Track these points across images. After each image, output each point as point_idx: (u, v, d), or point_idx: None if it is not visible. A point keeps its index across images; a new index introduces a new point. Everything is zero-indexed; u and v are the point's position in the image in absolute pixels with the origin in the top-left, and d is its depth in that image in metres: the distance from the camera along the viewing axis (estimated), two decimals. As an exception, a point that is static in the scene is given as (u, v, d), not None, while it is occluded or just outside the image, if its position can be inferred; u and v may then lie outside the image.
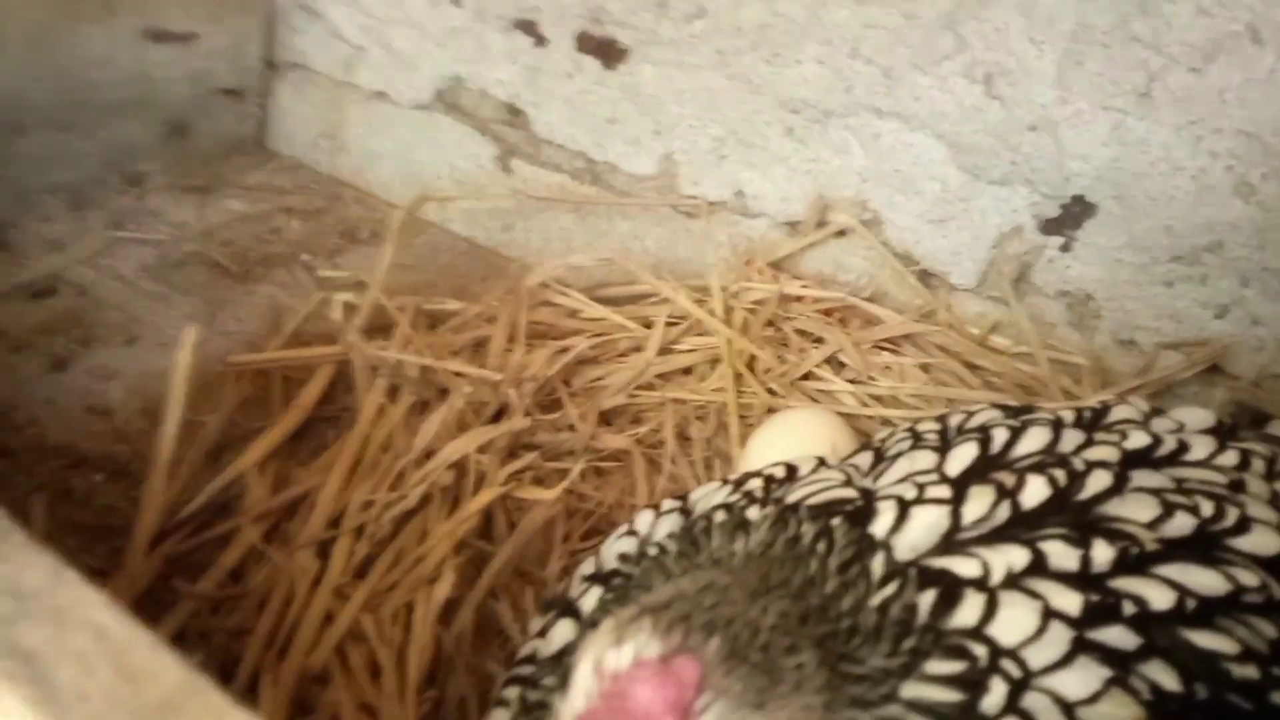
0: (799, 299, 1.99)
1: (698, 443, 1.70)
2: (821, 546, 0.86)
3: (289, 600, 1.20)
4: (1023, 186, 1.89)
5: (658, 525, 1.07)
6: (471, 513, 1.30)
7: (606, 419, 1.74)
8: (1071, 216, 1.88)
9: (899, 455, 1.04)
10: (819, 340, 1.90)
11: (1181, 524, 0.94)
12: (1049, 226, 1.90)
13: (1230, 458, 1.06)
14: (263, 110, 2.55)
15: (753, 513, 0.96)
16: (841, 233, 2.06)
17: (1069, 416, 1.08)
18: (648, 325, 1.90)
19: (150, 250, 2.07)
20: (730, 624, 0.71)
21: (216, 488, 1.36)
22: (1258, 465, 1.08)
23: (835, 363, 1.87)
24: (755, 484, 1.07)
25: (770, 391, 1.79)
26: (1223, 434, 1.11)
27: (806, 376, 1.84)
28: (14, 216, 2.04)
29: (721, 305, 1.89)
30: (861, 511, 0.93)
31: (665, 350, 1.86)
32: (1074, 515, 0.94)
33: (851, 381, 1.82)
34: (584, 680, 0.65)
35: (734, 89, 2.07)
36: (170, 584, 1.30)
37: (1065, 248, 1.90)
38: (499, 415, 1.62)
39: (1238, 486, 1.03)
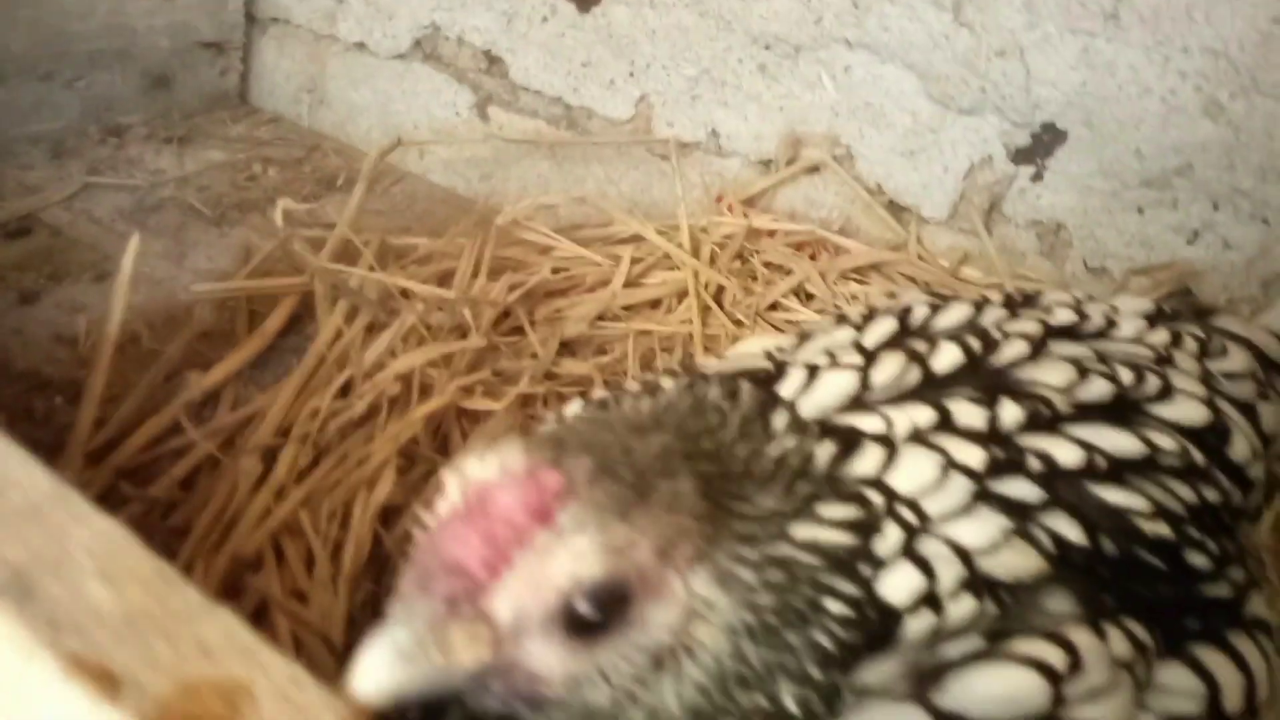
0: (770, 234, 1.98)
1: (662, 371, 1.70)
2: (725, 404, 0.86)
3: (231, 500, 1.21)
4: (993, 115, 1.87)
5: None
6: (417, 419, 1.31)
7: (571, 349, 1.74)
8: (1042, 145, 1.86)
9: (820, 333, 1.03)
10: (789, 273, 1.89)
11: (1098, 389, 0.93)
12: (1020, 156, 1.88)
13: (1161, 336, 1.05)
14: (245, 65, 2.56)
15: (666, 380, 0.95)
16: (814, 169, 2.05)
17: (996, 298, 1.07)
18: (617, 261, 1.90)
19: (126, 195, 2.09)
20: (605, 448, 0.70)
21: (152, 384, 1.37)
22: (1190, 345, 1.06)
23: (803, 294, 1.86)
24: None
25: (736, 322, 1.79)
26: (1157, 317, 1.10)
27: (774, 307, 1.83)
28: (-7, 163, 2.07)
29: (689, 239, 1.89)
30: (771, 376, 0.93)
31: (633, 284, 1.86)
32: (986, 379, 0.93)
33: (818, 312, 1.82)
34: (449, 491, 0.65)
35: (706, 26, 2.07)
36: (120, 492, 1.31)
37: (1036, 177, 1.88)
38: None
39: (1165, 361, 1.02)
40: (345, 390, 1.40)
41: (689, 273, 1.82)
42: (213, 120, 2.46)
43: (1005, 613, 0.82)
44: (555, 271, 1.83)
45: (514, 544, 0.63)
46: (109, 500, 1.30)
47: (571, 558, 0.64)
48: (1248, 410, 1.07)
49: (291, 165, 2.35)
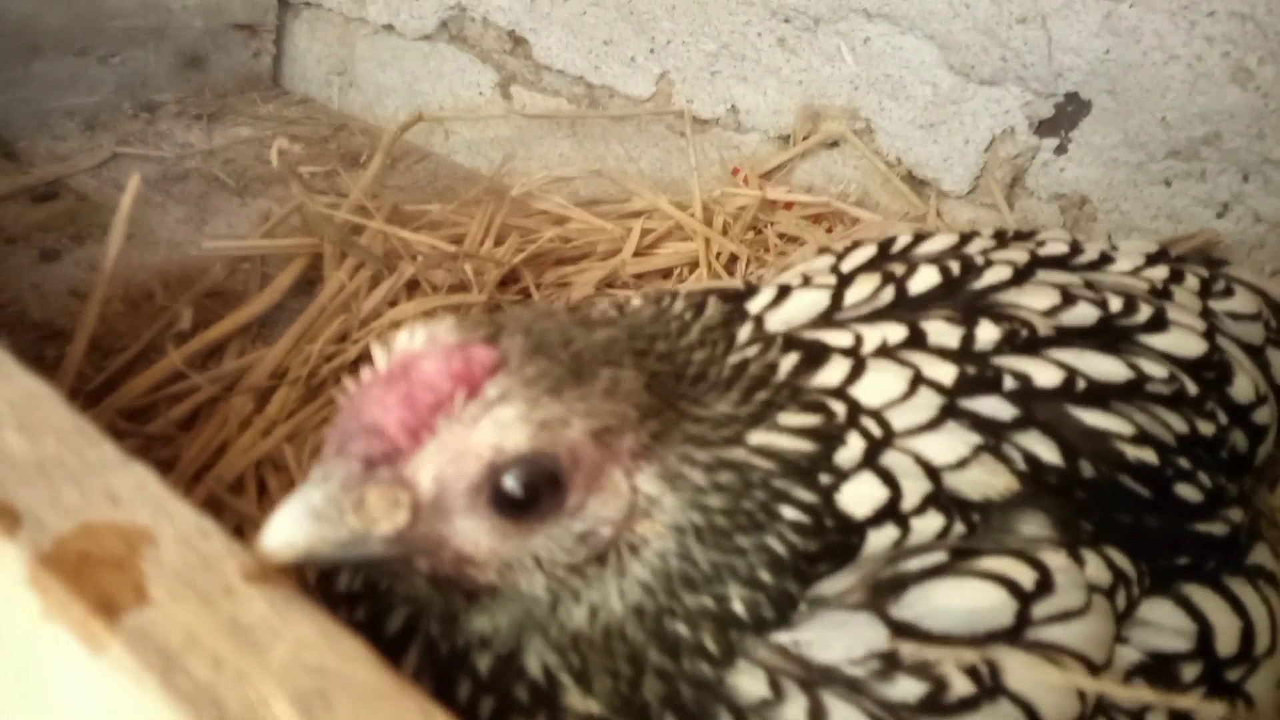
0: (787, 206, 1.96)
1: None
2: (689, 314, 0.84)
3: (220, 434, 1.21)
4: (1014, 85, 1.83)
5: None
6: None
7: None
8: (1066, 116, 1.82)
9: (802, 261, 1.01)
10: (803, 244, 1.87)
11: (1083, 314, 0.90)
12: (1043, 128, 1.84)
13: (1160, 272, 1.01)
14: (277, 48, 2.60)
15: (637, 301, 0.94)
16: (834, 144, 2.02)
17: (987, 232, 1.04)
18: (630, 231, 1.89)
19: (154, 166, 2.13)
20: (545, 333, 0.69)
21: (157, 332, 1.38)
22: (1191, 283, 1.02)
23: (817, 265, 1.83)
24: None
25: (747, 291, 1.76)
26: (1159, 256, 1.05)
27: (786, 277, 1.80)
28: (28, 134, 2.12)
29: (702, 210, 1.87)
30: (742, 295, 0.91)
31: (644, 253, 1.85)
32: (964, 301, 0.90)
33: (831, 282, 1.78)
34: (376, 359, 0.64)
35: (726, 0, 2.06)
36: (117, 428, 1.32)
37: (1060, 149, 1.84)
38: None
39: (1162, 295, 0.98)
40: (343, 338, 1.41)
41: (700, 241, 1.81)
42: (244, 100, 2.50)
43: (974, 533, 0.79)
44: (565, 241, 1.82)
45: (436, 411, 0.61)
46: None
47: (496, 428, 0.62)
48: (1255, 353, 1.03)
49: (318, 143, 2.38)
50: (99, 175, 2.05)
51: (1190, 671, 0.82)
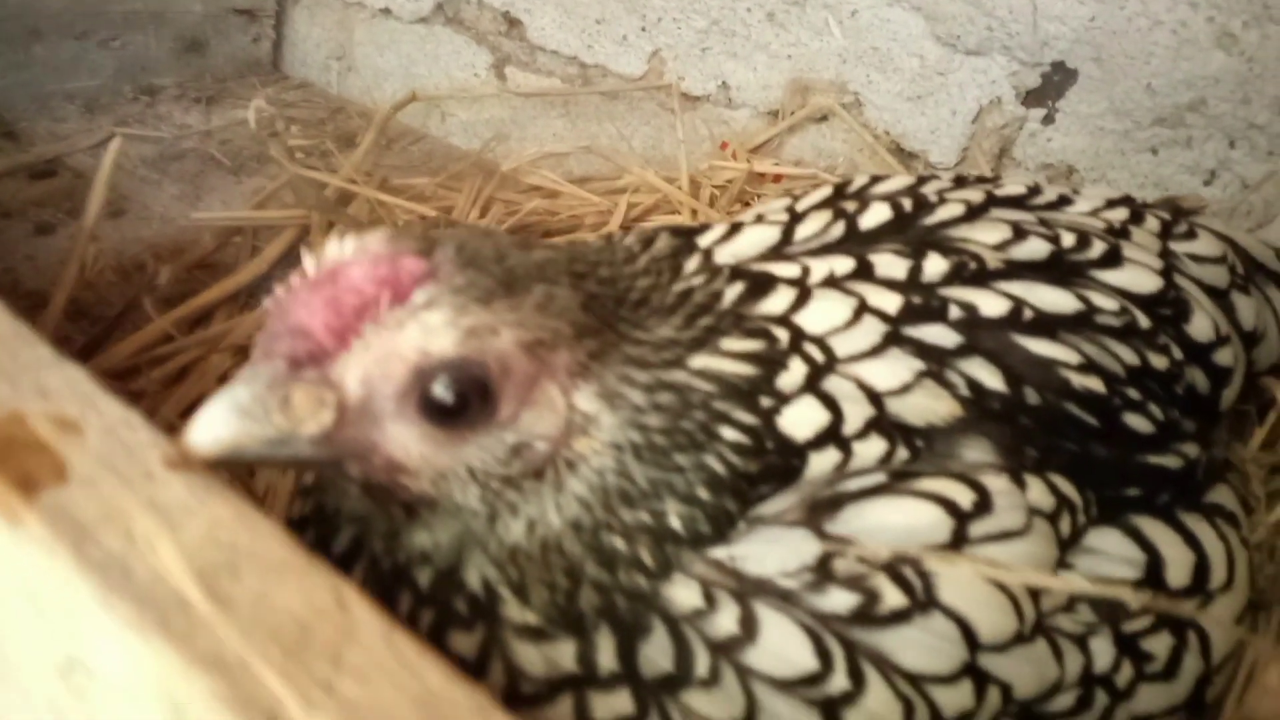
0: (776, 179, 1.96)
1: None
2: (638, 247, 0.85)
3: (196, 389, 1.24)
4: (1000, 55, 1.83)
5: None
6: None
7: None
8: (1053, 86, 1.81)
9: (760, 205, 1.02)
10: (789, 217, 1.87)
11: (1034, 248, 0.90)
12: (1030, 98, 1.84)
13: (1119, 214, 1.01)
14: (278, 33, 2.63)
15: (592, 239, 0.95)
16: (823, 118, 2.03)
17: (947, 176, 1.04)
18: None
19: (151, 146, 2.16)
20: (479, 249, 0.70)
21: (133, 293, 1.41)
22: (1151, 224, 1.02)
23: (803, 236, 1.84)
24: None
25: (733, 262, 1.77)
26: (1122, 201, 1.06)
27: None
28: (28, 115, 2.15)
29: (689, 182, 1.88)
30: (692, 229, 0.92)
31: (632, 225, 1.86)
32: (914, 236, 0.90)
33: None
34: (306, 266, 0.65)
35: (715, -23, 2.07)
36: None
37: (1047, 119, 1.83)
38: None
39: (1119, 234, 0.98)
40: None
41: (687, 213, 1.81)
42: (243, 85, 2.53)
43: (918, 458, 0.79)
44: (552, 214, 1.84)
45: (362, 314, 0.63)
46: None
47: (422, 332, 0.63)
48: (1219, 296, 1.03)
49: (315, 125, 2.40)
50: (96, 154, 2.07)
51: (1137, 600, 0.82)
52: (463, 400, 0.65)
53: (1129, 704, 0.80)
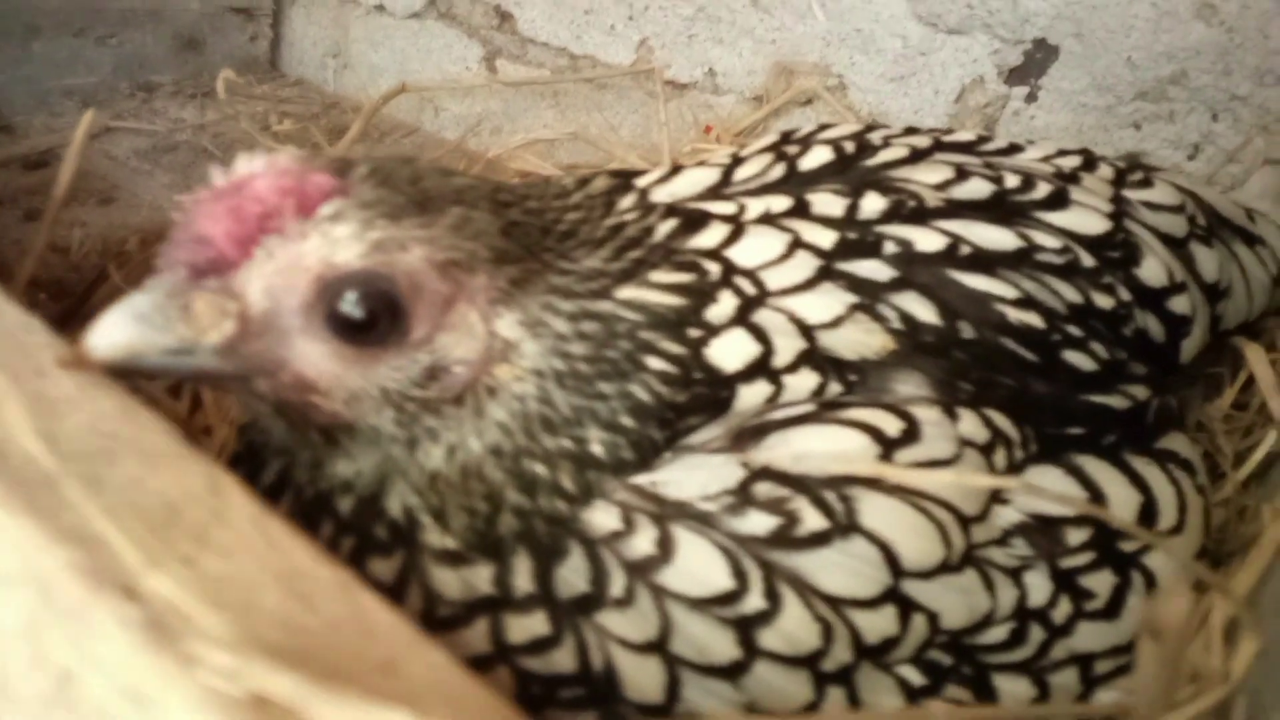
0: (757, 163, 1.96)
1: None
2: (574, 185, 0.85)
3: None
4: (982, 34, 1.82)
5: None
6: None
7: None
8: (1035, 64, 1.80)
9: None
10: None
11: (976, 188, 0.89)
12: (1013, 77, 1.83)
13: (1071, 161, 1.00)
14: (275, 32, 2.66)
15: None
16: (807, 101, 2.03)
17: (899, 127, 1.04)
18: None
19: (145, 139, 2.19)
20: (394, 170, 0.70)
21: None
22: (1105, 171, 1.01)
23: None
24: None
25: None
26: (1077, 152, 1.05)
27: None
28: (25, 110, 2.19)
29: (670, 164, 1.88)
30: (633, 172, 0.92)
31: (614, 208, 1.86)
32: (855, 177, 0.90)
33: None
34: (213, 179, 0.66)
35: (700, -36, 2.08)
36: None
37: (1030, 97, 1.82)
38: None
39: (1068, 179, 0.97)
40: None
41: (668, 194, 1.81)
42: (241, 81, 2.55)
43: (851, 392, 0.79)
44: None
45: (265, 222, 0.63)
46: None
47: (326, 243, 0.63)
48: (1177, 245, 1.01)
49: (308, 119, 2.42)
50: (91, 146, 2.10)
51: (1076, 536, 0.80)
52: (372, 316, 0.65)
53: (1068, 640, 0.79)
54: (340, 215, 0.64)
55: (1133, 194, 1.01)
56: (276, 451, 0.76)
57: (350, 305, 0.65)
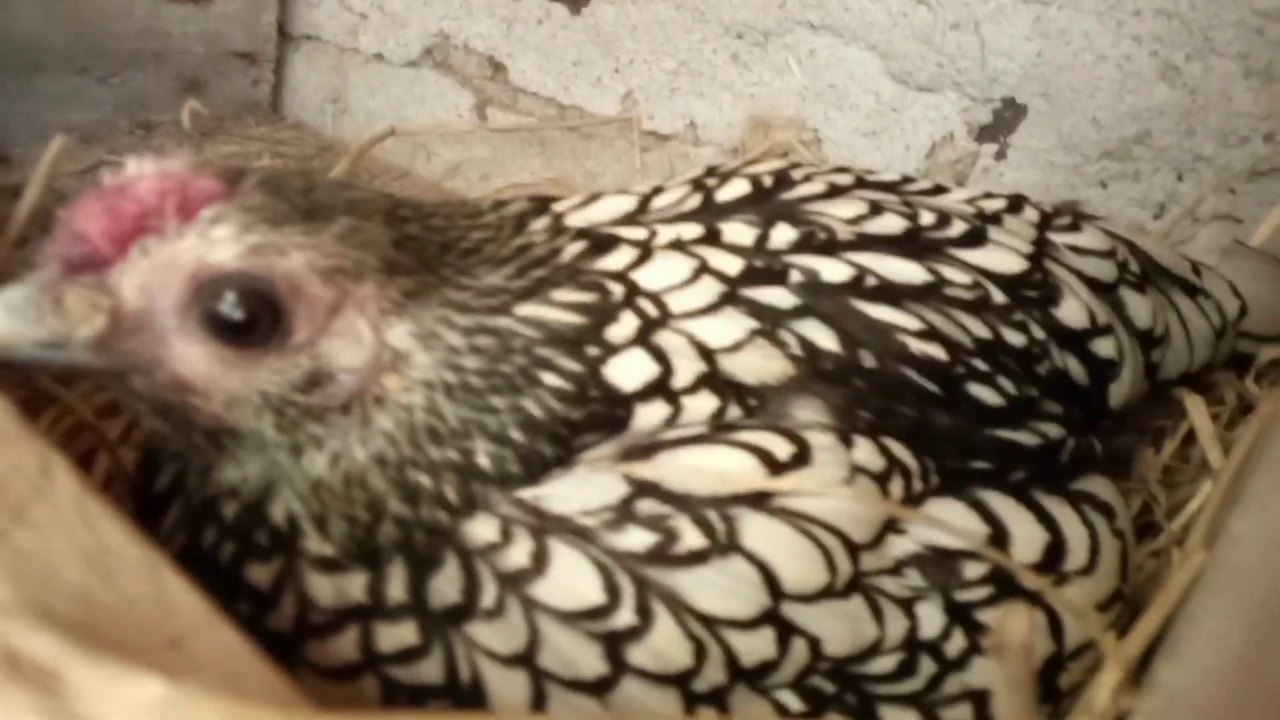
0: (731, 213, 1.98)
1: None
2: (488, 207, 0.86)
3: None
4: (951, 91, 1.85)
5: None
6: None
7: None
8: (1004, 121, 1.83)
9: (638, 187, 1.03)
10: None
11: (888, 223, 0.90)
12: (983, 134, 1.85)
13: (995, 204, 1.01)
14: (277, 77, 2.73)
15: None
16: (783, 154, 2.05)
17: (826, 167, 1.05)
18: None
19: (138, 173, 2.23)
20: (285, 180, 0.71)
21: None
22: (1030, 214, 1.02)
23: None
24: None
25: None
26: (1009, 196, 1.06)
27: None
28: (23, 143, 2.24)
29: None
30: (552, 198, 0.93)
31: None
32: (770, 209, 0.91)
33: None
34: (99, 181, 0.67)
35: (683, 19, 2.12)
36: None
37: (1000, 154, 1.85)
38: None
39: (989, 220, 0.98)
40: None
41: (638, 239, 1.83)
42: (240, 123, 2.62)
43: (751, 417, 0.79)
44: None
45: (142, 222, 0.64)
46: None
47: (203, 243, 0.65)
48: (1105, 290, 1.02)
49: (302, 160, 2.48)
50: (82, 179, 2.15)
51: (974, 570, 0.80)
52: (252, 318, 0.66)
53: (961, 675, 0.78)
54: (220, 218, 0.65)
55: (1058, 237, 1.01)
56: (171, 458, 0.77)
57: (229, 306, 0.66)
